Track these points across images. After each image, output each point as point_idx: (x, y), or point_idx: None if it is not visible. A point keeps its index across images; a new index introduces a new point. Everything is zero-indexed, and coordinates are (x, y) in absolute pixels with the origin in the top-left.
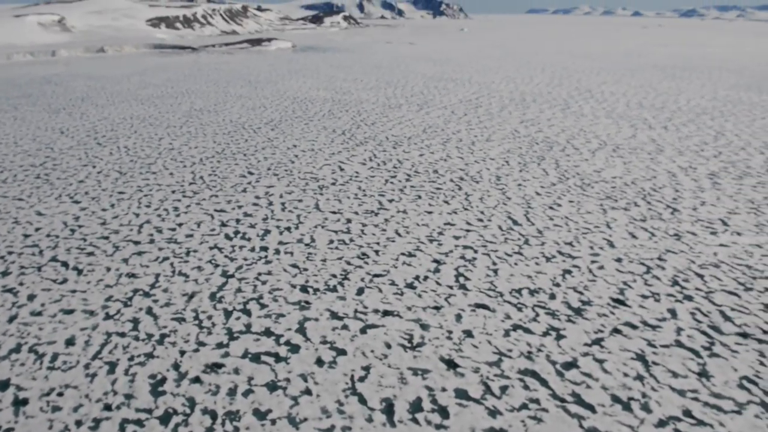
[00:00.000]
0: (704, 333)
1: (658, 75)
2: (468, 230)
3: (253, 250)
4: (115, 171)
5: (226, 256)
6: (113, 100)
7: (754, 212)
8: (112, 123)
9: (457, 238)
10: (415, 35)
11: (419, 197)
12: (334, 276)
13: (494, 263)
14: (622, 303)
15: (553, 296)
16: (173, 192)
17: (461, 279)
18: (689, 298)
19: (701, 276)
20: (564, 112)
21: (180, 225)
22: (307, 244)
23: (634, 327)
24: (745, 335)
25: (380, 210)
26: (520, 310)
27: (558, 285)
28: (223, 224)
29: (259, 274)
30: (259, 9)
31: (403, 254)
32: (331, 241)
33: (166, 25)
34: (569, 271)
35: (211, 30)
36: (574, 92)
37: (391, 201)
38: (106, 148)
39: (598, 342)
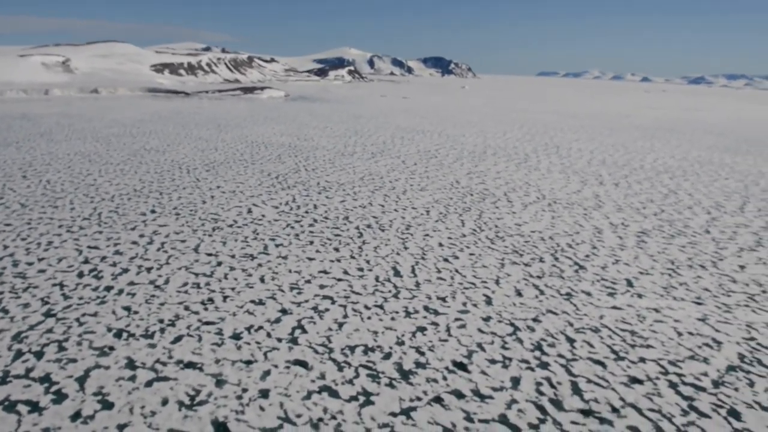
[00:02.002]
0: (540, 407)
1: (636, 135)
2: (340, 279)
3: (96, 289)
4: (18, 203)
5: (62, 294)
6: (71, 137)
7: (669, 274)
8: (53, 158)
9: (322, 287)
10: (414, 91)
11: (311, 243)
12: (161, 321)
13: (345, 316)
14: (462, 367)
15: (388, 356)
16: (60, 227)
17: (297, 332)
18: (545, 365)
19: (572, 341)
20: (518, 166)
21: (41, 260)
22: (157, 286)
23: (460, 396)
24: (587, 413)
25: (260, 254)
26: (340, 369)
27: (401, 344)
28: (86, 261)
29: (84, 314)
30: (265, 60)
31: (252, 302)
32: (185, 284)
33: (170, 71)
34: (423, 329)
35: (214, 78)
36: (540, 147)
37: (278, 246)
38: (28, 181)
39: (408, 412)
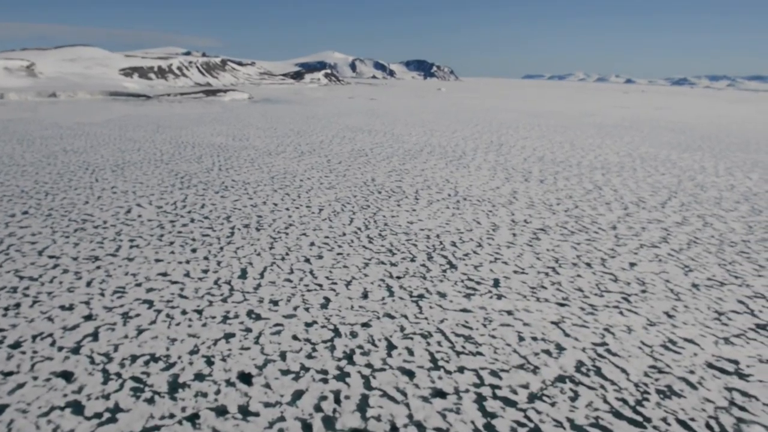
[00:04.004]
0: (306, 427)
1: (591, 132)
2: (175, 282)
3: None
4: None
5: None
6: None
7: (546, 273)
8: None
9: (150, 291)
10: (388, 93)
11: (171, 244)
12: None
13: (153, 322)
14: (246, 379)
15: (170, 366)
16: None
17: (87, 340)
18: (344, 376)
19: (393, 348)
20: (448, 164)
21: None
22: None
23: (222, 413)
24: None
25: (108, 256)
26: (105, 382)
27: (195, 353)
28: None
29: None
30: (239, 64)
31: (60, 307)
32: (2, 288)
33: (140, 75)
34: (231, 336)
35: (185, 81)
36: (483, 145)
37: (132, 247)
38: None
39: (150, 431)
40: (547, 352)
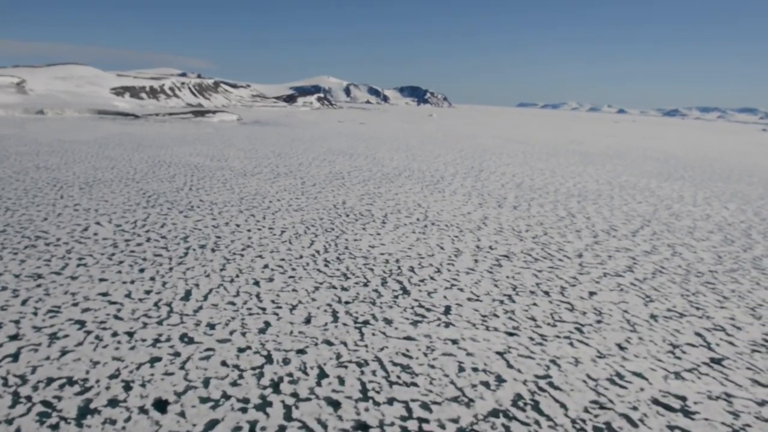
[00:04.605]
0: None
1: (574, 160)
2: (113, 303)
3: None
4: None
5: None
6: None
7: (501, 301)
8: None
9: (85, 311)
10: (376, 117)
11: (120, 263)
12: None
13: (80, 344)
14: (160, 408)
15: (63, 389)
16: None
17: None
18: (264, 406)
19: (324, 377)
20: (424, 188)
21: None
22: None
23: None
24: None
25: (51, 274)
26: None
27: (90, 380)
28: None
29: None
30: (232, 86)
31: None
32: None
33: (131, 94)
34: (157, 360)
35: (176, 102)
36: (462, 170)
37: (80, 266)
38: None
39: None
40: (486, 384)
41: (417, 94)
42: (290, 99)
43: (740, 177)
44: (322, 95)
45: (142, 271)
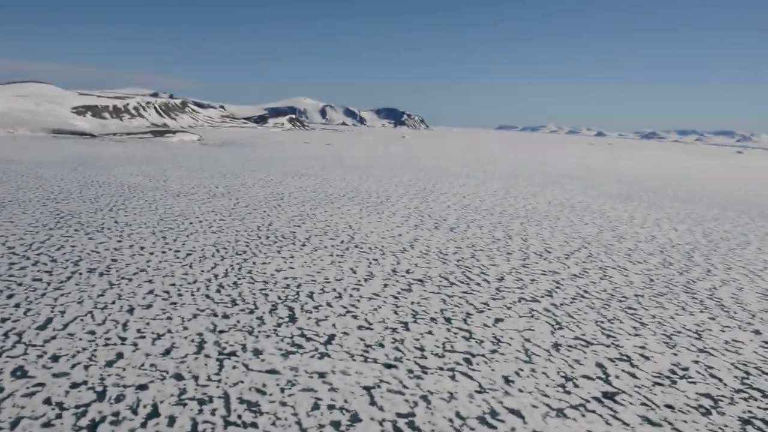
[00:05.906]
0: None
1: (535, 181)
2: None
3: None
4: None
5: None
6: None
7: (394, 329)
8: None
9: None
10: (346, 139)
11: None
12: None
13: None
14: None
15: None
16: None
17: None
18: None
19: (156, 415)
20: (363, 210)
21: None
22: None
23: None
24: None
25: None
26: None
27: None
28: None
29: None
30: (200, 106)
31: None
32: None
33: (93, 114)
34: None
35: (141, 122)
36: (413, 191)
37: None
38: None
39: None
40: (335, 425)
41: (394, 116)
42: (261, 120)
43: (701, 198)
44: (294, 116)
45: (10, 297)
